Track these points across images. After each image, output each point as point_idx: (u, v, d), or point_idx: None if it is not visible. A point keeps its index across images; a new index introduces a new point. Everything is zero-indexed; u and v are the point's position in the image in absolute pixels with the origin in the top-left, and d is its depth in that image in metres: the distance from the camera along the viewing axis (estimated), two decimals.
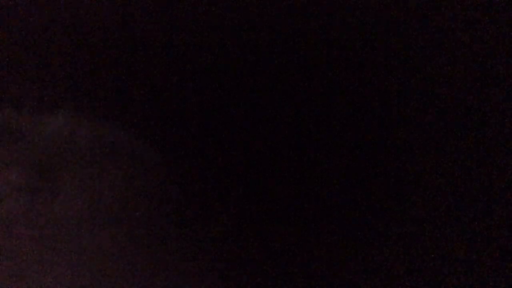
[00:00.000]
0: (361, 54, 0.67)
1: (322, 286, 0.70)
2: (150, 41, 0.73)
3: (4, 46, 0.73)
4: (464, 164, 0.70)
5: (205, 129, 0.66)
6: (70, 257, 0.71)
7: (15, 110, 0.73)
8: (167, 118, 0.70)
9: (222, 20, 0.67)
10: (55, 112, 0.73)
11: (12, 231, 0.72)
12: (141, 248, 0.73)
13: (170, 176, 0.71)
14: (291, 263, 0.69)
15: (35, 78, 0.69)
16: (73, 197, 0.68)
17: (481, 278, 0.70)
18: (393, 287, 0.70)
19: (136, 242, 0.72)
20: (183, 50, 0.70)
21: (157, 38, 0.72)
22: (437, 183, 0.71)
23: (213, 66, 0.66)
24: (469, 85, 0.69)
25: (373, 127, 0.69)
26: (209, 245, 0.66)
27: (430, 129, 0.70)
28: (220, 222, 0.68)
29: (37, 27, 0.72)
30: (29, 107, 0.71)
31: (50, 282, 0.72)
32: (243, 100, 0.66)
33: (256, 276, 0.69)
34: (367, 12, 0.67)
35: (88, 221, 0.68)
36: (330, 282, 0.71)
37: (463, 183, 0.71)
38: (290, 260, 0.69)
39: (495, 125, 0.68)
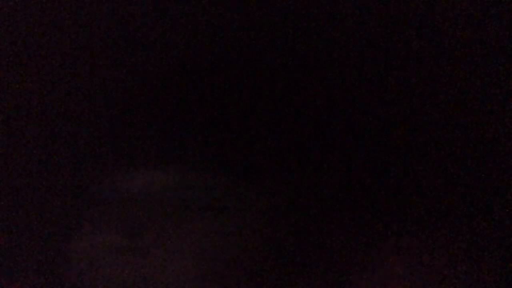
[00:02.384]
0: (361, 54, 0.67)
1: (322, 286, 0.70)
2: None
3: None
4: (464, 164, 0.70)
5: (205, 129, 0.65)
6: None
7: (102, 169, 0.72)
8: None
9: (222, 20, 0.66)
10: (142, 170, 0.73)
11: None
12: None
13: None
14: (291, 263, 0.69)
15: (120, 136, 0.68)
16: (163, 257, 0.67)
17: (481, 278, 0.70)
18: (393, 287, 0.70)
19: None
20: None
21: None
22: (437, 183, 0.71)
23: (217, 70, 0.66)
24: (469, 85, 0.69)
25: (373, 127, 0.69)
26: (209, 245, 0.66)
27: (430, 129, 0.70)
28: (220, 222, 0.68)
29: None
30: (115, 165, 0.70)
31: None
32: (243, 100, 0.66)
33: (256, 276, 0.69)
34: (367, 12, 0.67)
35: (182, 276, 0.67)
36: (330, 282, 0.70)
37: (463, 183, 0.71)
38: (290, 260, 0.69)
39: (495, 125, 0.68)
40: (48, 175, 0.81)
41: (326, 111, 0.68)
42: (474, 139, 0.69)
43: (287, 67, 0.68)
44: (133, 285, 0.70)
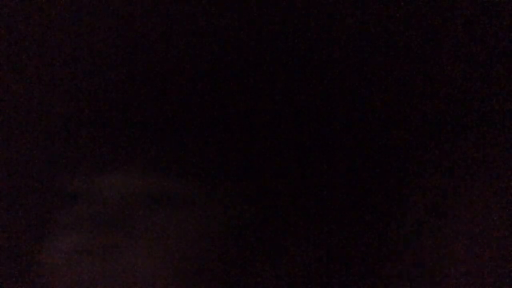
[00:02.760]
0: (361, 54, 0.67)
1: (322, 286, 0.70)
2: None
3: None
4: (465, 164, 0.71)
5: (204, 130, 0.65)
6: None
7: (70, 173, 0.71)
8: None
9: (222, 20, 0.66)
10: (109, 172, 0.71)
11: None
12: None
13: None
14: (291, 263, 0.69)
15: (88, 138, 0.67)
16: (136, 257, 0.65)
17: (481, 278, 0.70)
18: (393, 287, 0.70)
19: None
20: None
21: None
22: (437, 183, 0.71)
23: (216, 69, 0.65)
24: (469, 85, 0.69)
25: (373, 127, 0.69)
26: (208, 245, 0.66)
27: (430, 129, 0.70)
28: (219, 222, 0.68)
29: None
30: (84, 169, 0.69)
31: None
32: (243, 99, 0.66)
33: (256, 276, 0.69)
34: (367, 12, 0.67)
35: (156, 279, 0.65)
36: (330, 282, 0.70)
37: (463, 183, 0.71)
38: (289, 260, 0.69)
39: (495, 125, 0.68)
40: (18, 173, 0.81)
41: (325, 111, 0.68)
42: (474, 139, 0.69)
43: (285, 66, 0.67)
44: (104, 286, 0.69)
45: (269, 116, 0.70)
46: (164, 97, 0.72)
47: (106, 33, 0.69)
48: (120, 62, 0.70)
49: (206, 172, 0.73)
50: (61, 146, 0.76)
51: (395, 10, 0.63)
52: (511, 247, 0.70)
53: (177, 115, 0.74)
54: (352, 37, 0.65)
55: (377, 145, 0.69)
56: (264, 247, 0.75)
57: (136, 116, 0.74)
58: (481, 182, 0.70)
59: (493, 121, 0.67)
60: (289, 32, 0.67)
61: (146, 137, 0.73)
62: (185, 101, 0.72)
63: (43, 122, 0.76)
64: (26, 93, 0.77)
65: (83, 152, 0.74)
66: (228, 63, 0.69)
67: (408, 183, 0.70)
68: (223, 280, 0.74)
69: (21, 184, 0.81)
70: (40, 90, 0.77)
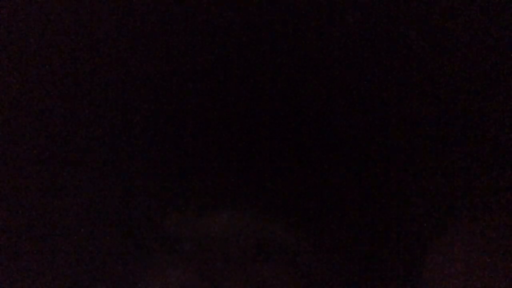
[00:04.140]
0: (361, 54, 0.67)
1: (322, 286, 0.69)
2: None
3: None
4: (464, 164, 0.70)
5: (204, 130, 0.64)
6: None
7: (179, 212, 0.69)
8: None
9: (222, 20, 0.66)
10: (217, 213, 0.69)
11: None
12: None
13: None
14: (290, 263, 0.69)
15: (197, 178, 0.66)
16: None
17: (481, 278, 0.70)
18: (393, 287, 0.70)
19: None
20: None
21: None
22: (437, 183, 0.71)
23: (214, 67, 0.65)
24: (469, 85, 0.69)
25: (373, 127, 0.69)
26: (208, 245, 0.66)
27: (430, 129, 0.70)
28: (219, 222, 0.67)
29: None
30: (192, 209, 0.67)
31: None
32: (243, 99, 0.66)
33: (255, 275, 0.69)
34: (367, 12, 0.67)
35: None
36: (330, 282, 0.70)
37: (463, 183, 0.71)
38: (289, 260, 0.68)
39: (495, 125, 0.68)
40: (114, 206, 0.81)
41: (326, 111, 0.68)
42: (474, 139, 0.69)
43: (284, 66, 0.67)
44: None
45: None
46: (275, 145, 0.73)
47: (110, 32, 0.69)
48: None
49: (314, 224, 0.74)
50: (167, 189, 0.76)
51: (395, 10, 0.63)
52: (511, 247, 0.70)
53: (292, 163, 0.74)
54: (352, 36, 0.65)
55: (377, 145, 0.69)
56: None
57: (250, 158, 0.74)
58: (481, 182, 0.70)
59: (493, 121, 0.66)
60: (289, 32, 0.67)
61: (258, 180, 0.74)
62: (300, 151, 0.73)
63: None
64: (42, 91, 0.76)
65: (190, 191, 0.74)
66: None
67: (408, 183, 0.70)
68: None
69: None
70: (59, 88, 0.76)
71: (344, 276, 0.73)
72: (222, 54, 0.68)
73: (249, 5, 0.64)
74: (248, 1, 0.64)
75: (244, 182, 0.71)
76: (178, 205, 0.74)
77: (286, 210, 0.70)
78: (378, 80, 0.68)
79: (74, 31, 0.70)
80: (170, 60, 0.68)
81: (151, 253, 0.74)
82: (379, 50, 0.66)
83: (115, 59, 0.69)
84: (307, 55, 0.67)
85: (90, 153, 0.76)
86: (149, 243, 0.77)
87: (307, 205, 0.71)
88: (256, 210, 0.70)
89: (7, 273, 0.79)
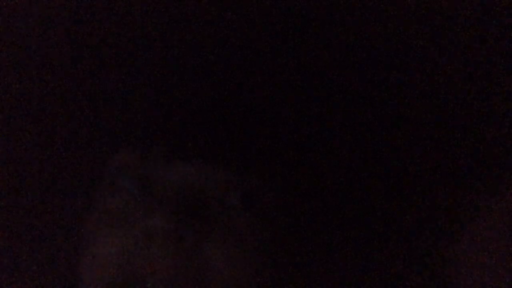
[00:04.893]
0: (361, 54, 0.67)
1: (322, 286, 0.69)
2: None
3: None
4: (464, 164, 0.70)
5: (204, 129, 0.64)
6: None
7: (141, 159, 0.66)
8: None
9: (222, 20, 0.65)
10: (184, 161, 0.67)
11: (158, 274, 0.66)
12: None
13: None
14: (290, 263, 0.68)
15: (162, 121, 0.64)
16: (222, 241, 0.62)
17: (481, 278, 0.70)
18: (393, 287, 0.70)
19: None
20: None
21: None
22: (437, 183, 0.71)
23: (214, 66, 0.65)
24: (469, 85, 0.69)
25: (373, 127, 0.69)
26: (208, 245, 0.65)
27: (430, 129, 0.70)
28: (219, 222, 0.67)
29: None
30: (155, 155, 0.64)
31: None
32: (243, 99, 0.65)
33: (255, 276, 0.69)
34: (367, 12, 0.66)
35: (238, 263, 0.62)
36: (330, 282, 0.70)
37: (463, 183, 0.71)
38: (288, 260, 0.68)
39: (495, 125, 0.68)
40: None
41: (325, 111, 0.68)
42: (474, 139, 0.69)
43: (285, 65, 0.67)
44: (192, 269, 0.65)
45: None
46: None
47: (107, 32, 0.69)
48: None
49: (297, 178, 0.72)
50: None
51: (395, 10, 0.63)
52: (511, 247, 0.70)
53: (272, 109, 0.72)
54: (352, 36, 0.65)
55: (377, 144, 0.69)
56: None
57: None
58: (481, 182, 0.70)
59: (493, 121, 0.66)
60: (288, 32, 0.67)
61: (241, 128, 0.71)
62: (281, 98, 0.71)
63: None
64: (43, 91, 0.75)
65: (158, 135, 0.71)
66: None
67: (408, 183, 0.70)
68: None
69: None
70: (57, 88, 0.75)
71: (343, 276, 0.73)
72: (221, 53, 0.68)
73: (249, 5, 0.64)
74: (248, 1, 0.64)
75: (228, 131, 0.71)
76: (151, 148, 0.70)
77: (271, 163, 0.70)
78: (378, 79, 0.68)
79: (74, 31, 0.70)
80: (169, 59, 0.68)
81: (119, 194, 0.69)
82: (379, 49, 0.66)
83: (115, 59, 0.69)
84: (307, 54, 0.67)
85: None
86: (117, 183, 0.72)
87: (304, 205, 0.70)
88: (240, 161, 0.68)
89: (7, 273, 0.78)
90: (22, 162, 0.79)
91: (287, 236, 0.74)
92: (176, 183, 0.68)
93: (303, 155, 0.69)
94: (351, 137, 0.69)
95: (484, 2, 0.62)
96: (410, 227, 0.71)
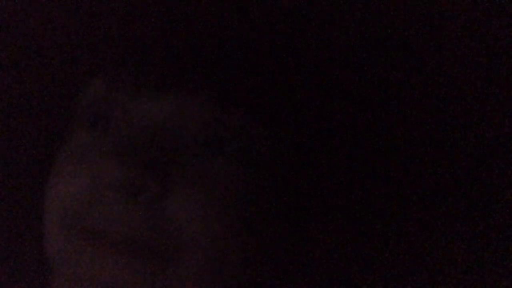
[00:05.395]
0: (361, 54, 0.67)
1: (321, 286, 0.68)
2: None
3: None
4: (464, 164, 0.70)
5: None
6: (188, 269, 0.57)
7: (106, 90, 0.61)
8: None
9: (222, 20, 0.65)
10: (154, 98, 0.57)
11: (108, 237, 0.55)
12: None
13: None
14: (290, 263, 0.68)
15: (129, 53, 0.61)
16: (186, 198, 0.55)
17: (481, 278, 0.69)
18: (393, 287, 0.69)
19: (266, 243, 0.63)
20: None
21: None
22: (437, 183, 0.70)
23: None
24: (469, 85, 0.69)
25: (373, 127, 0.68)
26: (208, 245, 0.65)
27: (430, 129, 0.69)
28: (219, 222, 0.66)
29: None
30: (124, 89, 0.52)
31: None
32: (243, 98, 0.65)
33: (255, 276, 0.68)
34: (367, 12, 0.66)
35: (205, 226, 0.57)
36: (330, 282, 0.70)
37: (463, 183, 0.70)
38: (289, 260, 0.68)
39: (495, 125, 0.68)
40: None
41: (325, 111, 0.68)
42: (474, 139, 0.69)
43: (286, 64, 0.67)
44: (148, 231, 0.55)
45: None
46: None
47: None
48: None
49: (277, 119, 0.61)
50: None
51: (395, 10, 0.63)
52: (511, 247, 0.69)
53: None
54: (352, 36, 0.65)
55: (377, 144, 0.69)
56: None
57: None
58: (481, 182, 0.70)
59: (493, 121, 0.66)
60: (288, 32, 0.67)
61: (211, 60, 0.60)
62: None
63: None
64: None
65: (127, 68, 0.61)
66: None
67: (408, 183, 0.70)
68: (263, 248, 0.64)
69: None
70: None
71: (343, 276, 0.72)
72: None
73: (249, 5, 0.63)
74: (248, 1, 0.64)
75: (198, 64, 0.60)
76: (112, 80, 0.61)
77: (244, 102, 0.60)
78: (378, 79, 0.68)
79: (74, 31, 0.70)
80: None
81: (85, 132, 0.61)
82: (378, 49, 0.66)
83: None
84: (307, 53, 0.67)
85: None
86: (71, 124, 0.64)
87: (303, 205, 0.70)
88: (209, 98, 0.58)
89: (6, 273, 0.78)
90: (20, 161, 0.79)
91: (280, 202, 0.64)
92: (141, 122, 0.58)
93: (299, 154, 0.68)
94: (350, 137, 0.69)
95: (484, 2, 0.62)
96: (410, 227, 0.71)
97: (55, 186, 0.60)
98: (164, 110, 0.58)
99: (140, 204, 0.54)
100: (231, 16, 0.64)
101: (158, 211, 0.55)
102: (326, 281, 0.69)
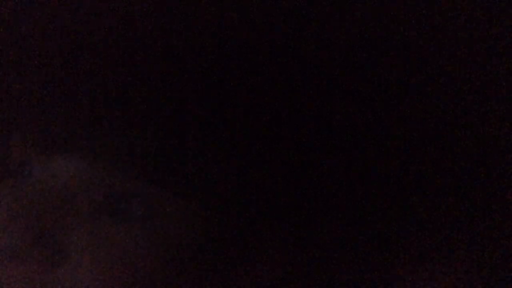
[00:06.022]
0: (361, 54, 0.66)
1: (321, 286, 0.68)
2: None
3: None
4: (463, 164, 0.70)
5: (203, 129, 0.62)
6: None
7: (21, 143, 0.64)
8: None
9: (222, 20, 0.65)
10: (67, 153, 0.59)
11: None
12: None
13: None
14: (290, 263, 0.68)
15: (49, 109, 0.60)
16: (77, 268, 0.54)
17: (481, 278, 0.70)
18: (393, 287, 0.69)
19: None
20: None
21: None
22: (437, 183, 0.70)
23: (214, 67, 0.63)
24: (469, 85, 0.69)
25: (373, 127, 0.68)
26: (208, 245, 0.65)
27: (430, 129, 0.69)
28: (219, 222, 0.66)
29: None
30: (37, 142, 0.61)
31: None
32: (242, 100, 0.65)
33: (255, 276, 0.68)
34: (367, 12, 0.66)
35: None
36: (330, 282, 0.70)
37: (463, 183, 0.70)
38: (288, 260, 0.68)
39: (495, 125, 0.68)
40: None
41: (325, 111, 0.68)
42: (474, 139, 0.69)
43: (284, 65, 0.67)
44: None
45: (267, 116, 0.68)
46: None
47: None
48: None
49: (187, 182, 0.60)
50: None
51: (395, 10, 0.63)
52: (511, 247, 0.69)
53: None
54: (352, 36, 0.65)
55: (377, 144, 0.69)
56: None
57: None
58: (481, 182, 0.70)
59: (493, 121, 0.66)
60: (288, 32, 0.67)
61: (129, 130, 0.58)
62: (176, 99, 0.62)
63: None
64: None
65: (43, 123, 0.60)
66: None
67: (408, 183, 0.70)
68: None
69: None
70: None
71: (343, 276, 0.73)
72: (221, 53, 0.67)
73: (249, 5, 0.63)
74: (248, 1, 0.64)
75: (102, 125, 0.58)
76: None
77: (141, 164, 0.58)
78: (378, 79, 0.68)
79: (73, 31, 0.70)
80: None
81: None
82: (379, 49, 0.66)
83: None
84: (306, 53, 0.67)
85: None
86: None
87: (302, 204, 0.69)
88: (110, 161, 0.56)
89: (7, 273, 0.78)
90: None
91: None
92: (43, 182, 0.56)
93: (299, 154, 0.68)
94: (350, 137, 0.69)
95: (484, 2, 0.62)
96: (410, 227, 0.71)
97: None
98: (70, 170, 0.56)
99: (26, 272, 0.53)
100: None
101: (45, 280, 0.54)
102: (326, 281, 0.69)
